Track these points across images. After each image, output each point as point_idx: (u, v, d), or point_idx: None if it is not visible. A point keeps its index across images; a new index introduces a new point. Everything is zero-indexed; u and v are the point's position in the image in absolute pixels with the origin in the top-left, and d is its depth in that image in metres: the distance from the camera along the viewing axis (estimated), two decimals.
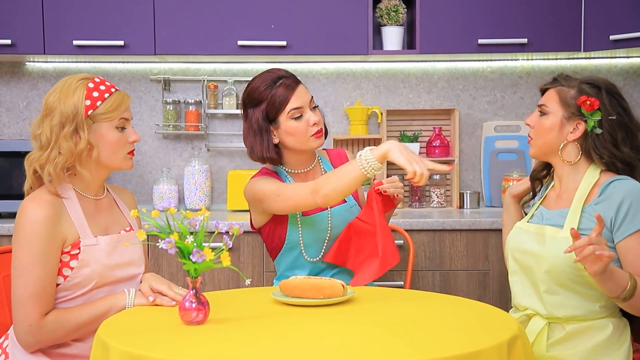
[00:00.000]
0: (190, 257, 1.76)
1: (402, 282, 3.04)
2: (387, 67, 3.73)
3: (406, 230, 2.99)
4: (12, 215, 3.18)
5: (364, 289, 2.22)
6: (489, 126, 3.70)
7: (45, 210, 1.99)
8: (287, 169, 2.46)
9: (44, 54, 3.35)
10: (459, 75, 3.74)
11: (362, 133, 3.62)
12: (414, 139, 3.66)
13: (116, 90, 2.11)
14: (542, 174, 2.40)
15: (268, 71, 2.41)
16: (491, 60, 3.71)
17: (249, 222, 2.52)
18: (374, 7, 3.48)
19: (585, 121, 2.18)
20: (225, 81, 3.68)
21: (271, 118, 2.37)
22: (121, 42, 3.32)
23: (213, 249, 1.79)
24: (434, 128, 3.66)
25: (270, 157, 2.39)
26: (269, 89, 2.35)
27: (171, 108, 3.65)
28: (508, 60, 3.71)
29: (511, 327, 1.74)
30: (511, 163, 3.63)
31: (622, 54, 3.62)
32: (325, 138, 2.45)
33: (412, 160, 2.08)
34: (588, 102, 2.16)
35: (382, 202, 2.36)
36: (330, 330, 1.77)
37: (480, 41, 3.37)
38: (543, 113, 2.25)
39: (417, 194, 3.65)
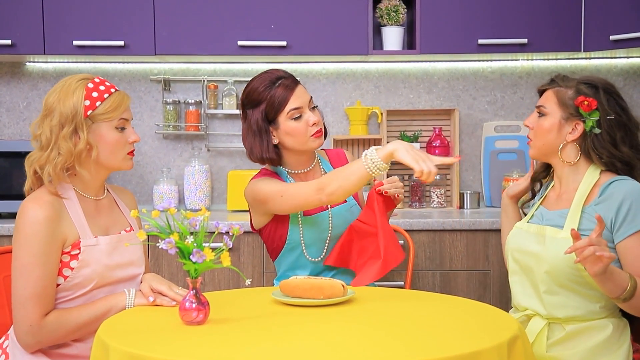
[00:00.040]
0: (191, 257, 1.76)
1: (402, 282, 3.04)
2: (387, 67, 3.73)
3: (406, 231, 2.99)
4: (12, 216, 3.18)
5: (364, 289, 2.22)
6: (489, 126, 3.70)
7: (45, 211, 1.99)
8: (287, 170, 2.46)
9: (44, 54, 3.35)
10: (459, 76, 3.74)
11: (362, 133, 3.62)
12: (414, 139, 3.66)
13: (116, 90, 2.11)
14: (543, 175, 2.40)
15: (267, 72, 2.41)
16: (491, 60, 3.71)
17: (249, 222, 2.52)
18: (374, 7, 3.48)
19: (584, 121, 2.18)
20: (226, 81, 3.68)
21: (270, 119, 2.37)
22: (121, 43, 3.32)
23: (213, 249, 1.79)
24: (434, 128, 3.66)
25: (270, 157, 2.39)
26: (267, 90, 2.35)
27: (171, 108, 3.65)
28: (508, 60, 3.71)
29: (511, 327, 1.74)
30: (511, 163, 3.63)
31: (622, 54, 3.62)
32: (325, 138, 2.45)
33: (419, 158, 2.07)
34: (586, 103, 2.16)
35: (383, 202, 2.36)
36: (330, 331, 1.77)
37: (481, 41, 3.37)
38: (541, 114, 2.25)
39: (417, 194, 3.65)
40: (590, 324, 2.14)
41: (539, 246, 2.19)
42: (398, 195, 2.39)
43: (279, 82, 2.36)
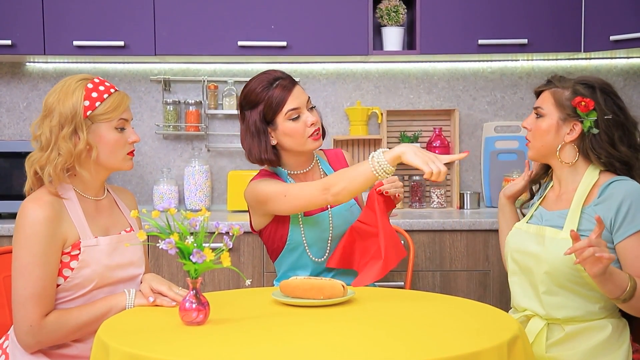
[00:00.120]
0: (191, 257, 1.76)
1: (403, 283, 3.04)
2: (387, 68, 3.73)
3: (406, 231, 2.99)
4: (12, 216, 3.19)
5: (364, 289, 2.22)
6: (489, 127, 3.70)
7: (45, 211, 1.99)
8: (286, 170, 2.46)
9: (44, 54, 3.35)
10: (459, 76, 3.74)
11: (362, 133, 3.62)
12: (414, 139, 3.66)
13: (115, 90, 2.11)
14: (542, 176, 2.40)
15: (264, 73, 2.41)
16: (491, 60, 3.71)
17: (249, 223, 2.51)
18: (374, 7, 3.48)
19: (582, 122, 2.18)
20: (226, 82, 3.68)
21: (268, 119, 2.37)
22: (121, 43, 3.32)
23: (213, 249, 1.79)
24: (434, 128, 3.67)
25: (268, 158, 2.39)
26: (265, 91, 2.35)
27: (171, 108, 3.65)
28: (508, 60, 3.72)
29: (511, 328, 1.74)
30: (511, 163, 3.63)
31: (622, 55, 3.62)
32: (323, 139, 2.45)
33: (428, 160, 2.07)
34: (583, 103, 2.16)
35: (383, 202, 2.37)
36: (330, 331, 1.77)
37: (481, 42, 3.38)
38: (539, 115, 2.25)
39: (417, 195, 3.65)
40: (589, 325, 2.14)
41: (538, 247, 2.19)
42: (398, 195, 2.39)
43: (277, 82, 2.36)
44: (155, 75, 3.70)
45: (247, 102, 2.39)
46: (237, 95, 3.63)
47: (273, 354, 1.60)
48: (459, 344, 1.64)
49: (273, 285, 2.62)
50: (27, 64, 3.67)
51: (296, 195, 2.29)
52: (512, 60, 3.72)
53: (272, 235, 2.44)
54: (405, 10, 3.51)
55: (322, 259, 2.43)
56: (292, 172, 2.46)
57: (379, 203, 2.35)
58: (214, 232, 1.83)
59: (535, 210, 2.32)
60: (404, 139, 3.66)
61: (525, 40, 3.37)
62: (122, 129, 2.11)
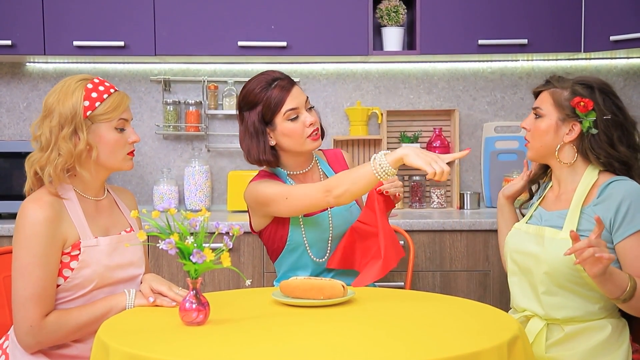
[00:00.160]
0: (191, 257, 1.76)
1: (403, 283, 3.04)
2: (387, 68, 3.73)
3: (406, 231, 2.99)
4: (12, 216, 3.19)
5: (364, 289, 2.22)
6: (489, 127, 3.70)
7: (45, 211, 1.99)
8: (285, 171, 2.46)
9: (44, 54, 3.35)
10: (459, 76, 3.74)
11: (362, 134, 3.62)
12: (414, 139, 3.66)
13: (115, 90, 2.11)
14: (541, 176, 2.40)
15: (262, 73, 2.41)
16: (491, 61, 3.71)
17: (249, 224, 2.51)
18: (374, 7, 3.48)
19: (581, 122, 2.18)
20: (226, 82, 3.68)
21: (267, 120, 2.37)
22: (121, 43, 3.32)
23: (213, 249, 1.79)
24: (434, 129, 3.67)
25: (267, 159, 2.39)
26: (264, 91, 2.35)
27: (171, 109, 3.65)
28: (508, 61, 3.72)
29: (511, 328, 1.74)
30: (511, 164, 3.63)
31: (622, 55, 3.62)
32: (323, 139, 2.45)
33: (430, 160, 2.08)
34: (582, 104, 2.16)
35: (383, 202, 2.37)
36: (330, 331, 1.77)
37: (481, 42, 3.38)
38: (538, 116, 2.25)
39: (417, 195, 3.65)
40: (589, 325, 2.14)
41: (538, 247, 2.19)
42: (398, 195, 2.39)
43: (275, 83, 2.36)
44: (155, 75, 3.70)
45: (245, 102, 2.39)
46: (237, 96, 3.62)
47: (273, 354, 1.60)
48: (459, 344, 1.64)
49: (273, 286, 2.62)
50: (27, 64, 3.68)
51: (298, 198, 2.28)
52: (512, 61, 3.72)
53: (272, 236, 2.44)
54: (405, 10, 3.51)
55: (323, 259, 2.44)
56: (291, 173, 2.46)
57: (379, 203, 2.35)
58: (214, 233, 1.83)
59: (535, 210, 2.32)
60: (404, 139, 3.66)
61: (525, 41, 3.37)
62: (122, 129, 2.11)
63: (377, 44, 3.57)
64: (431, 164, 2.07)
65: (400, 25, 3.51)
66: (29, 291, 1.97)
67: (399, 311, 1.96)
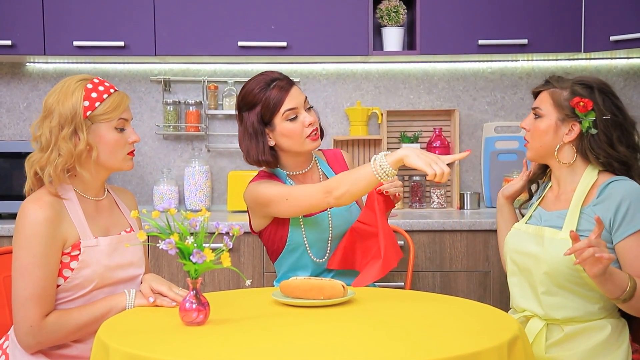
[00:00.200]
0: (191, 257, 1.76)
1: (403, 283, 3.04)
2: (387, 68, 3.73)
3: (406, 231, 2.99)
4: (12, 216, 3.19)
5: (364, 289, 2.22)
6: (489, 127, 3.70)
7: (45, 212, 1.99)
8: (285, 171, 2.45)
9: (45, 54, 3.35)
10: (459, 76, 3.74)
11: (362, 134, 3.62)
12: (414, 139, 3.66)
13: (115, 90, 2.11)
14: (540, 176, 2.40)
15: (261, 74, 2.41)
16: (491, 61, 3.71)
17: (249, 224, 2.51)
18: (374, 7, 3.48)
19: (580, 122, 2.18)
20: (226, 82, 3.68)
21: (266, 120, 2.37)
22: (121, 43, 3.32)
23: (213, 249, 1.79)
24: (434, 129, 3.67)
25: (266, 160, 2.38)
26: (263, 92, 2.35)
27: (171, 109, 3.65)
28: (508, 61, 3.72)
29: (511, 328, 1.74)
30: (511, 164, 3.62)
31: (622, 55, 3.62)
32: (322, 139, 2.44)
33: (431, 161, 2.08)
34: (581, 104, 2.16)
35: (383, 202, 2.37)
36: (330, 331, 1.77)
37: (481, 42, 3.38)
38: (537, 116, 2.25)
39: (417, 195, 3.65)
40: (588, 325, 2.14)
41: (537, 247, 2.18)
42: (398, 195, 2.39)
43: (274, 83, 2.36)
44: (156, 75, 3.70)
45: (244, 103, 2.39)
46: (237, 96, 3.62)
47: (273, 354, 1.60)
48: (459, 344, 1.64)
49: (273, 286, 2.61)
50: (27, 64, 3.68)
51: (298, 199, 2.29)
52: (512, 61, 3.72)
53: (272, 237, 2.44)
54: (406, 10, 3.51)
55: (323, 259, 2.44)
56: (290, 173, 2.46)
57: (379, 203, 2.35)
58: (214, 233, 1.83)
59: (534, 210, 2.32)
60: (404, 139, 3.66)
61: (525, 41, 3.37)
62: (122, 129, 2.11)
63: (377, 44, 3.57)
64: (431, 165, 2.07)
65: (400, 26, 3.51)
66: (29, 291, 1.97)
67: (399, 311, 1.96)
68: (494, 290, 3.15)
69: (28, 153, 2.11)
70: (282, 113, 2.35)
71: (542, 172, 2.40)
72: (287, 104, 2.35)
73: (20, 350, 2.02)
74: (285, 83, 2.37)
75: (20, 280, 1.98)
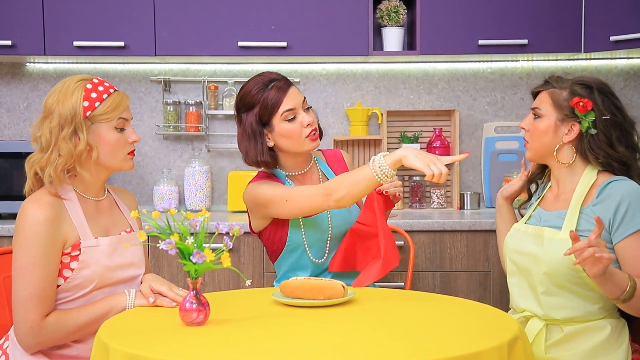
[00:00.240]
0: (191, 258, 1.76)
1: (403, 283, 3.04)
2: (387, 68, 3.73)
3: (406, 231, 2.99)
4: (12, 216, 3.19)
5: (364, 289, 2.22)
6: (489, 127, 3.70)
7: (45, 212, 1.99)
8: (284, 172, 2.45)
9: (45, 54, 3.35)
10: (459, 76, 3.74)
11: (362, 134, 3.62)
12: (414, 139, 3.66)
13: (115, 90, 2.11)
14: (539, 176, 2.40)
15: (259, 75, 2.41)
16: (491, 61, 3.71)
17: (248, 224, 2.51)
18: (375, 8, 3.48)
19: (580, 122, 2.18)
20: (226, 82, 3.68)
21: (265, 121, 2.37)
22: (121, 43, 3.32)
23: (213, 249, 1.79)
24: (434, 129, 3.67)
25: (265, 160, 2.38)
26: (261, 92, 2.35)
27: (171, 109, 3.65)
28: (508, 61, 3.72)
29: (511, 328, 1.74)
30: (511, 164, 3.63)
31: (622, 55, 3.62)
32: (321, 139, 2.44)
33: (429, 162, 2.08)
34: (581, 104, 2.16)
35: (382, 202, 2.37)
36: (330, 331, 1.77)
37: (481, 42, 3.38)
38: (537, 116, 2.25)
39: (417, 195, 3.65)
40: (588, 325, 2.14)
41: (537, 247, 2.18)
42: (398, 195, 2.39)
43: (272, 84, 2.36)
44: (156, 75, 3.70)
45: (243, 104, 2.39)
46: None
47: (273, 355, 1.60)
48: (459, 345, 1.64)
49: (273, 286, 2.61)
50: (28, 64, 3.68)
51: (297, 201, 2.29)
52: (512, 61, 3.72)
53: (272, 237, 2.44)
54: (406, 10, 3.51)
55: (322, 259, 2.44)
56: (290, 174, 2.46)
57: (379, 203, 2.35)
58: (214, 233, 1.83)
59: (534, 210, 2.32)
60: (404, 139, 3.66)
61: (525, 41, 3.37)
62: (122, 129, 2.11)
63: (377, 44, 3.57)
64: (429, 165, 2.07)
65: (401, 26, 3.51)
66: (29, 291, 1.97)
67: (399, 311, 1.96)
68: (494, 291, 3.15)
69: (28, 153, 2.11)
70: (281, 114, 2.35)
71: (541, 172, 2.40)
72: (286, 104, 2.35)
73: (20, 351, 2.02)
74: (283, 84, 2.37)
75: (20, 281, 1.98)
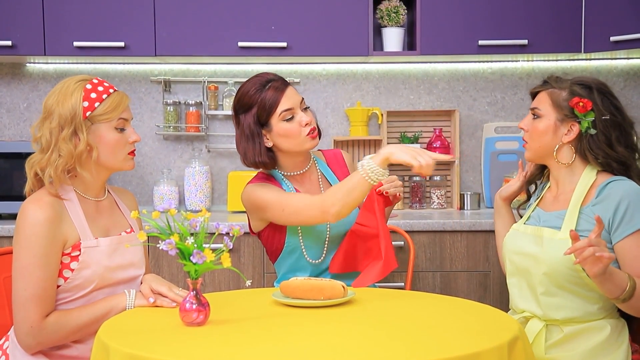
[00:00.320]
0: (191, 258, 1.76)
1: (403, 283, 3.04)
2: (387, 69, 3.73)
3: (406, 232, 2.99)
4: (12, 217, 3.19)
5: (365, 290, 2.22)
6: (489, 127, 3.70)
7: (45, 212, 1.99)
8: (282, 172, 2.45)
9: (45, 55, 3.35)
10: (459, 77, 3.74)
11: (362, 134, 3.62)
12: (415, 140, 3.66)
13: (115, 90, 2.11)
14: (538, 176, 2.40)
15: (257, 76, 2.41)
16: (491, 61, 3.71)
17: (248, 225, 2.51)
18: (375, 8, 3.48)
19: (579, 122, 2.18)
20: (226, 82, 3.68)
21: (263, 122, 2.37)
22: (121, 44, 3.32)
23: (213, 250, 1.79)
24: (434, 129, 3.67)
25: (263, 161, 2.38)
26: (258, 93, 2.35)
27: (172, 109, 3.65)
28: (508, 61, 3.72)
29: (512, 328, 1.74)
30: (511, 164, 3.62)
31: (622, 55, 3.63)
32: (319, 139, 2.44)
33: (416, 154, 2.11)
34: (581, 104, 2.16)
35: (383, 203, 2.37)
36: (330, 332, 1.77)
37: (481, 42, 3.38)
38: (536, 116, 2.25)
39: (417, 195, 3.65)
40: (588, 325, 2.14)
41: (536, 247, 2.18)
42: (399, 195, 2.39)
43: (269, 84, 2.36)
44: (156, 76, 3.70)
45: (240, 105, 2.40)
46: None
47: (273, 355, 1.60)
48: (459, 345, 1.64)
49: (273, 287, 2.61)
50: (28, 64, 3.68)
51: (294, 213, 2.29)
52: (512, 61, 3.72)
53: (271, 239, 2.44)
54: (406, 11, 3.51)
55: (319, 260, 2.43)
56: (288, 174, 2.45)
57: (379, 203, 2.35)
58: (214, 233, 1.83)
59: (533, 211, 2.32)
60: (404, 139, 3.66)
61: (525, 41, 3.37)
62: (122, 129, 2.11)
63: (378, 45, 3.57)
64: (416, 157, 2.10)
65: (401, 26, 3.51)
66: (29, 292, 1.97)
67: (399, 311, 1.96)
68: (494, 291, 3.15)
69: (28, 153, 2.11)
70: (279, 113, 2.35)
71: (540, 173, 2.40)
72: (283, 104, 2.35)
73: (21, 351, 2.02)
74: (280, 84, 2.37)
75: (20, 281, 1.98)
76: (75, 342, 2.06)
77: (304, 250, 2.41)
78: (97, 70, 3.69)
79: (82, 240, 2.05)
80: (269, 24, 3.36)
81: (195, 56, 3.41)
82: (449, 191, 3.69)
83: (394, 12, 3.48)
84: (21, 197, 2.09)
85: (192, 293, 1.82)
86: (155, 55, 3.36)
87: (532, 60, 3.71)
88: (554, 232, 2.16)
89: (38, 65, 3.67)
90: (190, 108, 3.66)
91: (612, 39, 3.28)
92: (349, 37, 3.38)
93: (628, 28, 3.25)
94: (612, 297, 2.02)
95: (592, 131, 2.17)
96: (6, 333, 2.15)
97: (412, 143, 3.63)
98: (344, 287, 2.01)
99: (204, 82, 3.67)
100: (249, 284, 1.98)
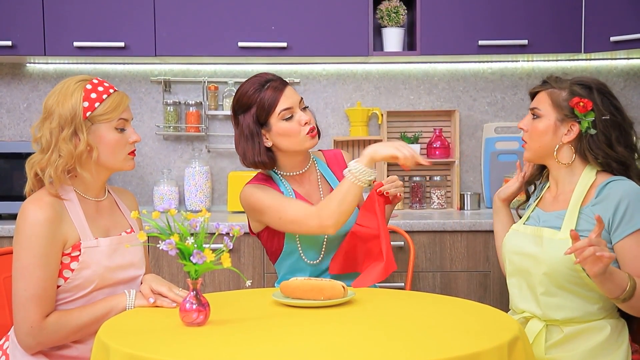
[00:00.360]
0: (191, 258, 1.76)
1: (403, 284, 3.04)
2: (387, 69, 3.73)
3: (406, 232, 2.99)
4: (12, 217, 3.19)
5: (365, 290, 2.22)
6: (489, 127, 3.70)
7: (45, 212, 1.99)
8: (281, 172, 2.45)
9: (45, 55, 3.35)
10: (459, 77, 3.74)
11: (362, 134, 3.62)
12: (415, 140, 3.66)
13: (115, 91, 2.11)
14: (537, 177, 2.40)
15: (255, 76, 2.41)
16: (491, 61, 3.71)
17: (248, 225, 2.52)
18: (375, 8, 3.49)
19: (579, 122, 2.18)
20: (226, 82, 3.68)
21: (262, 121, 2.37)
22: (122, 44, 3.32)
23: (213, 250, 1.79)
24: (434, 129, 3.67)
25: (262, 161, 2.38)
26: (257, 93, 2.35)
27: (172, 109, 3.65)
28: (508, 61, 3.72)
29: (512, 328, 1.74)
30: (511, 164, 3.62)
31: (622, 56, 3.63)
32: (319, 138, 2.44)
33: (399, 146, 2.19)
34: (581, 104, 2.16)
35: (383, 203, 2.37)
36: (330, 332, 1.77)
37: (481, 42, 3.38)
38: (536, 116, 2.25)
39: (417, 195, 3.65)
40: (588, 325, 2.14)
41: (536, 248, 2.18)
42: (399, 195, 2.39)
43: (268, 84, 2.36)
44: (156, 76, 3.70)
45: (239, 105, 2.40)
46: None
47: (273, 355, 1.60)
48: (459, 345, 1.64)
49: (274, 287, 2.61)
50: (28, 64, 3.68)
51: (292, 222, 2.31)
52: (512, 61, 3.72)
53: (270, 240, 2.44)
54: (406, 11, 3.51)
55: (317, 260, 2.43)
56: (287, 174, 2.45)
57: (379, 204, 2.35)
58: (215, 233, 1.83)
59: (532, 211, 2.32)
60: (404, 139, 3.66)
61: (525, 41, 3.37)
62: (123, 129, 2.11)
63: (378, 45, 3.57)
64: (399, 149, 2.18)
65: (401, 26, 3.51)
66: (29, 292, 1.97)
67: (399, 311, 1.96)
68: (494, 291, 3.15)
69: (28, 154, 2.11)
70: (278, 113, 2.35)
71: (539, 173, 2.40)
72: (282, 103, 2.35)
73: (21, 351, 2.02)
74: (279, 83, 2.37)
75: (20, 281, 1.98)
76: (75, 342, 2.06)
77: (301, 252, 2.41)
78: (97, 70, 3.69)
79: (82, 240, 2.05)
80: (269, 24, 3.36)
81: (195, 56, 3.41)
82: (449, 191, 3.69)
83: (394, 12, 3.48)
84: (21, 197, 2.09)
85: (192, 293, 1.82)
86: (155, 56, 3.36)
87: (532, 61, 3.71)
88: (554, 232, 2.16)
89: (38, 65, 3.67)
90: (190, 108, 3.66)
91: (612, 39, 3.28)
92: (349, 37, 3.38)
93: (628, 28, 3.25)
94: (613, 297, 2.02)
95: (592, 131, 2.17)
96: (6, 333, 2.15)
97: (412, 143, 3.63)
98: (344, 287, 2.01)
99: (204, 82, 3.67)
100: (249, 284, 1.98)
